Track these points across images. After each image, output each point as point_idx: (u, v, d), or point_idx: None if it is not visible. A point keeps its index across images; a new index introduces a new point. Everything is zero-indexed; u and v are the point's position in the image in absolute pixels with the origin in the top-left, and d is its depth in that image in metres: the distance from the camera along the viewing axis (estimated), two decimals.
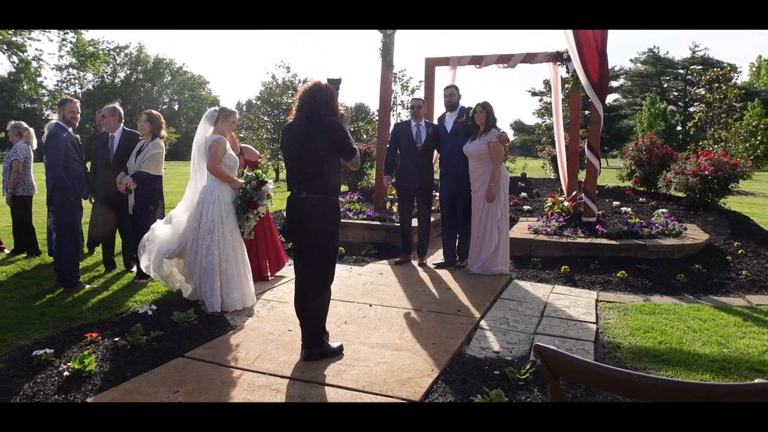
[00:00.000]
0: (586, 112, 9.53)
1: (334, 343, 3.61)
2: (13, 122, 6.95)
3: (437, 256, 6.57)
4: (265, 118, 24.99)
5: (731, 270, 6.12)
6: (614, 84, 55.25)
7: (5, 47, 26.28)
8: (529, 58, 8.16)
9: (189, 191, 4.98)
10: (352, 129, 14.17)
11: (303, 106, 3.47)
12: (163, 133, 5.69)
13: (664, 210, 8.64)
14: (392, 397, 2.99)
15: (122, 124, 5.86)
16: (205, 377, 3.20)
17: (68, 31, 27.20)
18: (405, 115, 23.16)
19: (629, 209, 8.86)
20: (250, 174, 4.80)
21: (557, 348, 1.45)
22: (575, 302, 5.01)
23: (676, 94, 60.63)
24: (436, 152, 6.59)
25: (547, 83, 34.89)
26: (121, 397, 2.95)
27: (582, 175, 8.18)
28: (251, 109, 29.02)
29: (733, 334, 4.20)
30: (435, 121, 6.63)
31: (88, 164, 5.89)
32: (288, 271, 5.89)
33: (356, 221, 7.71)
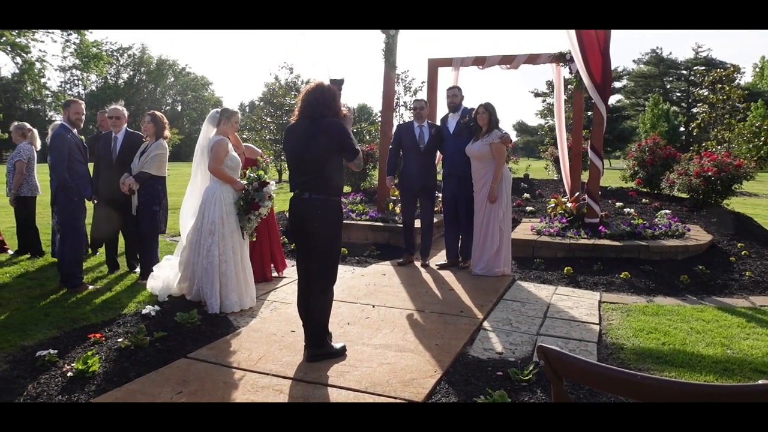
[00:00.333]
0: (589, 113, 9.50)
1: (337, 344, 3.61)
2: (16, 123, 6.97)
3: (440, 257, 6.57)
4: (268, 119, 24.99)
5: (735, 271, 6.10)
6: (617, 85, 55.21)
7: (9, 48, 26.33)
8: (532, 59, 8.16)
9: (188, 194, 5.00)
10: (354, 130, 14.17)
11: (305, 106, 3.47)
12: (167, 133, 5.69)
13: (668, 211, 8.62)
14: (395, 398, 2.99)
15: (125, 125, 5.87)
16: (209, 378, 3.21)
17: (72, 32, 27.22)
18: (408, 116, 23.14)
19: (632, 210, 8.85)
20: (252, 175, 4.80)
21: (560, 349, 1.44)
22: (578, 303, 5.00)
23: (679, 95, 60.44)
24: (438, 153, 6.60)
25: (550, 84, 34.82)
26: (124, 397, 2.95)
27: (585, 176, 8.17)
28: (254, 110, 29.04)
29: (737, 335, 4.19)
30: (438, 122, 6.63)
31: (91, 165, 5.90)
32: (291, 272, 5.90)
33: (359, 222, 7.71)
